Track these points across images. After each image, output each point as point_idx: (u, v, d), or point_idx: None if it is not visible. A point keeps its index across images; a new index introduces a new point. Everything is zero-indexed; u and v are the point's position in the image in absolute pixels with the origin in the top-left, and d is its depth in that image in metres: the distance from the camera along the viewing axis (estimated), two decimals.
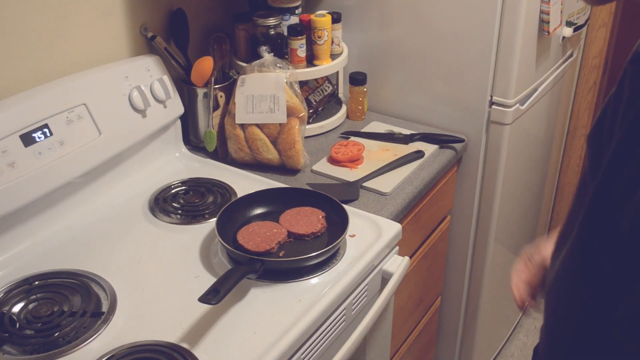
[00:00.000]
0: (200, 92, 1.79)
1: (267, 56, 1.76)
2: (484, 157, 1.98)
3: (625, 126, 0.81)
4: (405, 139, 1.90)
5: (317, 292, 1.32)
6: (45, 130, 1.42)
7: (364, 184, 1.69)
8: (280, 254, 1.40)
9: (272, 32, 1.85)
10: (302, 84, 1.95)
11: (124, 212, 1.58)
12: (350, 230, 1.44)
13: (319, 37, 1.87)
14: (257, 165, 1.79)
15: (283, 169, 1.78)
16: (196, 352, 1.18)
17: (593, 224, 0.87)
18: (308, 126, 1.89)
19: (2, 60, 1.44)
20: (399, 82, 2.04)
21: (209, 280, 1.26)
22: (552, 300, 1.00)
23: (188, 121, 1.84)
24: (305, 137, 1.83)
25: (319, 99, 2.00)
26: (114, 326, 1.24)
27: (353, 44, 2.05)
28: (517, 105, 1.91)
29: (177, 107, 1.74)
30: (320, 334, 1.30)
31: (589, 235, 0.88)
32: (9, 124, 1.37)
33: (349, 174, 1.74)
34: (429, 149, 1.86)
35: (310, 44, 1.89)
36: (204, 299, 1.18)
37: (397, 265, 1.49)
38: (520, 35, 1.78)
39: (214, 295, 1.18)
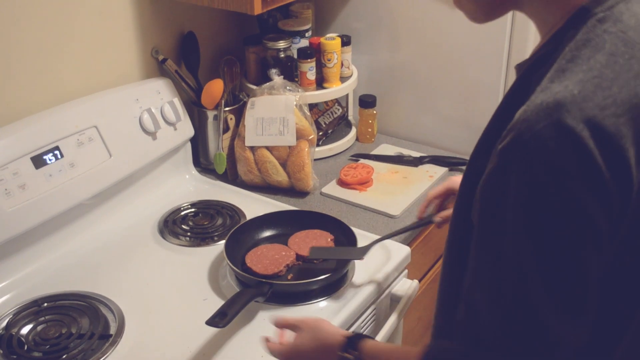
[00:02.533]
0: (211, 114, 1.80)
1: (277, 79, 1.77)
2: None
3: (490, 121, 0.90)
4: (415, 162, 1.90)
5: (325, 315, 1.31)
6: (56, 152, 1.43)
7: (373, 207, 1.68)
8: (289, 277, 1.39)
9: (282, 55, 1.86)
10: (312, 106, 1.95)
11: (133, 234, 1.59)
12: None
13: (329, 60, 1.88)
14: (267, 188, 1.79)
15: (292, 191, 1.78)
16: None
17: (458, 210, 0.96)
18: (317, 148, 1.89)
19: (13, 83, 1.45)
20: (409, 104, 2.04)
21: (217, 303, 1.25)
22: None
23: (198, 143, 1.85)
24: (315, 160, 1.84)
25: (329, 122, 2.00)
26: (121, 349, 1.24)
27: (363, 67, 2.05)
28: None
29: (187, 129, 1.75)
30: None
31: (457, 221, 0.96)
32: (20, 146, 1.38)
33: (358, 197, 1.74)
34: (438, 171, 1.85)
35: (320, 67, 1.90)
36: (211, 322, 1.18)
37: (406, 288, 1.48)
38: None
39: (221, 319, 1.18)
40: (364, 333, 1.39)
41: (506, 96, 0.90)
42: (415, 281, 1.51)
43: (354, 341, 1.06)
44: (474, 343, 0.84)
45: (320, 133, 1.96)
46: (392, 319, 1.43)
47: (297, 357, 1.12)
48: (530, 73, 0.85)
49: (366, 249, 1.41)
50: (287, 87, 1.76)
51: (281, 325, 1.17)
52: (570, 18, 0.83)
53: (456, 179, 1.29)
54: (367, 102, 2.01)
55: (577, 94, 0.75)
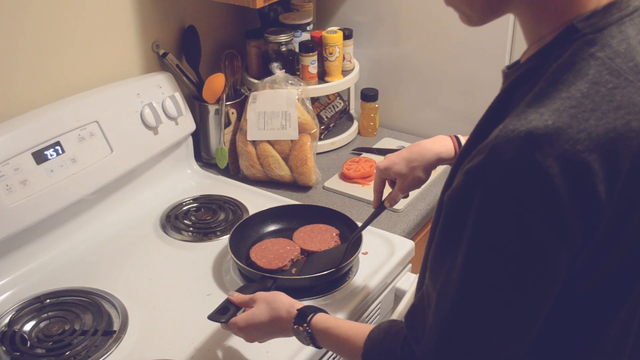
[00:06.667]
0: (212, 108, 1.79)
1: (279, 73, 1.76)
2: None
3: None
4: None
5: (329, 309, 1.30)
6: (57, 147, 1.42)
7: None
8: (293, 271, 1.39)
9: (284, 49, 1.85)
10: (314, 100, 1.94)
11: (135, 229, 1.58)
12: (363, 247, 1.43)
13: (331, 54, 1.87)
14: (269, 182, 1.78)
15: (295, 185, 1.77)
16: None
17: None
18: (320, 142, 1.88)
19: (14, 78, 1.44)
20: (411, 98, 2.03)
21: (221, 298, 1.25)
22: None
23: (199, 138, 1.84)
24: (317, 154, 1.83)
25: (331, 115, 2.00)
26: (125, 345, 1.23)
27: (364, 60, 2.04)
28: None
29: (188, 124, 1.74)
30: (333, 352, 1.28)
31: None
32: (21, 142, 1.37)
33: (361, 191, 1.73)
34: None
35: (322, 61, 1.89)
36: (213, 317, 1.17)
37: (410, 282, 1.47)
38: None
39: (224, 313, 1.17)
40: None
41: (489, 109, 0.88)
42: None
43: (305, 314, 1.08)
44: (413, 336, 0.88)
45: (322, 127, 1.95)
46: (397, 313, 1.42)
47: (252, 327, 1.14)
48: (515, 88, 0.83)
49: (342, 256, 1.37)
50: (289, 81, 1.75)
51: (238, 302, 1.19)
52: (559, 34, 0.80)
53: (380, 165, 1.31)
54: (369, 95, 2.00)
55: (550, 124, 0.72)
